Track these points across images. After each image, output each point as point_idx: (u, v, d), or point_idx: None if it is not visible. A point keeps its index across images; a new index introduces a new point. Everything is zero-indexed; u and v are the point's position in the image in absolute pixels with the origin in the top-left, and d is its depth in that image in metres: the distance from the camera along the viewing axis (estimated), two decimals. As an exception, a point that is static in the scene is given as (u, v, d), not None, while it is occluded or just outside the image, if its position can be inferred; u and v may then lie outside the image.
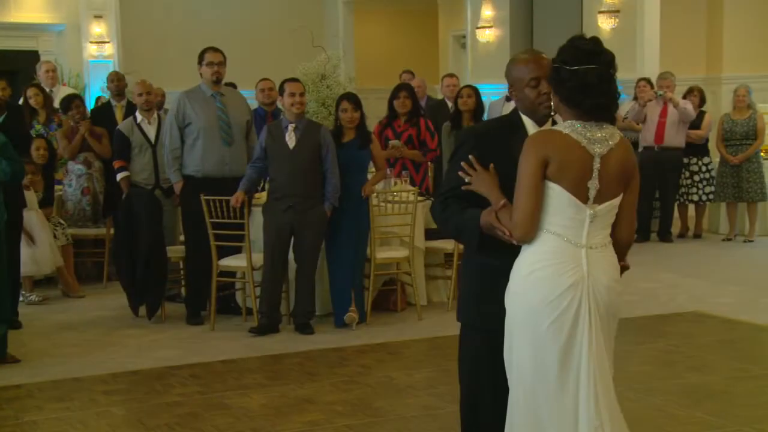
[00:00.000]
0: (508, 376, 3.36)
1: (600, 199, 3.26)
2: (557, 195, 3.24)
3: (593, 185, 3.23)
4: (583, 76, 3.20)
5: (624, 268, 3.43)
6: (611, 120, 3.30)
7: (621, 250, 3.40)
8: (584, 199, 3.24)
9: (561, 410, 3.24)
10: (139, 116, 8.08)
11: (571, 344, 3.22)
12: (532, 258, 3.26)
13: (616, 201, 3.30)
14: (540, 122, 3.45)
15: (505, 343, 3.35)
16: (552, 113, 3.37)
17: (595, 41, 3.28)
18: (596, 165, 3.23)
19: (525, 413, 3.29)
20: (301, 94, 7.08)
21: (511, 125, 3.50)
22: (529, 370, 3.26)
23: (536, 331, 3.23)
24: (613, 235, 3.35)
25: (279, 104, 7.44)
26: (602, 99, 3.24)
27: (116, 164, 8.11)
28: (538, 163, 3.21)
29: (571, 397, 3.23)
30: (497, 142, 3.41)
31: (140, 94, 8.04)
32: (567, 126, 3.26)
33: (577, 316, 3.22)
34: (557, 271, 3.22)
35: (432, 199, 8.29)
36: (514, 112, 3.57)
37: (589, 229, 3.26)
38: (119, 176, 8.06)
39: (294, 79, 7.26)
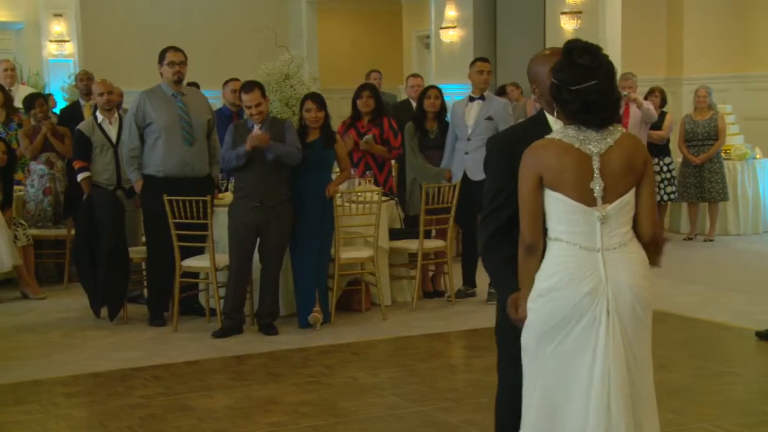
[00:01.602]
0: (524, 390, 3.34)
1: (608, 198, 3.22)
2: (560, 202, 3.22)
3: (597, 185, 3.20)
4: (585, 95, 3.18)
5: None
6: (616, 122, 3.29)
7: (646, 247, 3.32)
8: (590, 202, 3.21)
9: (576, 417, 3.22)
10: (99, 116, 8.00)
11: (587, 350, 3.20)
12: (547, 269, 3.24)
13: (628, 196, 3.25)
14: None
15: (525, 355, 3.31)
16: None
17: (592, 52, 3.22)
18: (596, 164, 3.20)
19: (542, 420, 3.28)
20: (258, 105, 6.90)
21: (535, 126, 3.50)
22: (553, 381, 3.24)
23: (556, 342, 3.21)
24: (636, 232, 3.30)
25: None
26: (606, 112, 3.22)
27: (76, 164, 8.02)
28: (532, 176, 3.21)
29: (583, 403, 3.21)
30: (522, 145, 3.34)
31: (101, 94, 7.96)
32: (558, 132, 3.26)
33: (593, 323, 3.19)
34: (573, 280, 3.19)
35: (396, 199, 8.30)
36: (540, 112, 3.58)
37: (602, 232, 3.21)
38: (80, 177, 7.96)
39: (250, 88, 6.97)
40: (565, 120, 3.28)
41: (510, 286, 3.38)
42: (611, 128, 3.25)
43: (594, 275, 3.20)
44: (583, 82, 3.18)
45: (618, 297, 3.21)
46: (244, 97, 6.98)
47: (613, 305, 3.20)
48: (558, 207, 3.23)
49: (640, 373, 3.28)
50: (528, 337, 3.30)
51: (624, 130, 3.29)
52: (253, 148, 6.82)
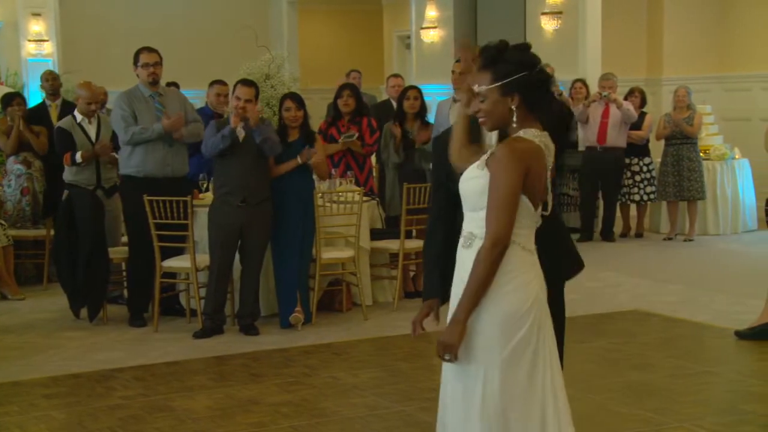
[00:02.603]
0: (467, 393, 3.22)
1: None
2: (524, 206, 3.16)
3: (549, 197, 3.21)
4: (544, 71, 3.24)
5: None
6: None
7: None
8: (536, 207, 3.22)
9: (529, 421, 3.18)
10: (78, 116, 7.93)
11: (537, 352, 3.17)
12: (500, 271, 3.14)
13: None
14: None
15: (472, 364, 3.18)
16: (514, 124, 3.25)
17: (504, 42, 3.26)
18: (548, 176, 3.21)
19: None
20: (248, 100, 6.87)
21: (473, 126, 3.48)
22: (499, 385, 3.14)
23: (508, 345, 3.13)
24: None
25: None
26: None
27: (67, 158, 7.80)
28: (521, 175, 3.11)
29: (538, 406, 3.18)
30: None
31: (89, 103, 7.84)
32: (535, 135, 3.17)
33: (542, 322, 3.19)
34: (524, 281, 3.16)
35: (377, 199, 8.31)
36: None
37: (534, 235, 3.25)
38: (78, 154, 7.76)
39: (249, 83, 7.03)
40: (527, 121, 3.19)
41: (429, 290, 3.48)
42: (549, 140, 3.24)
43: (538, 276, 3.22)
44: (538, 62, 3.24)
45: (545, 295, 3.25)
46: (240, 89, 6.93)
47: (545, 304, 3.25)
48: (522, 210, 3.16)
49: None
50: (478, 343, 3.17)
51: None
52: (238, 125, 6.77)
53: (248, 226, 6.93)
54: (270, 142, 6.90)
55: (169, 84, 8.04)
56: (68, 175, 7.85)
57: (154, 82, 7.32)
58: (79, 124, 7.89)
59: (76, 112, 7.97)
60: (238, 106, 6.87)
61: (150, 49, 7.35)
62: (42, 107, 9.55)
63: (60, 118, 8.65)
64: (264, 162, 6.99)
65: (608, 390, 5.63)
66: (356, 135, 8.16)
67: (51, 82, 9.47)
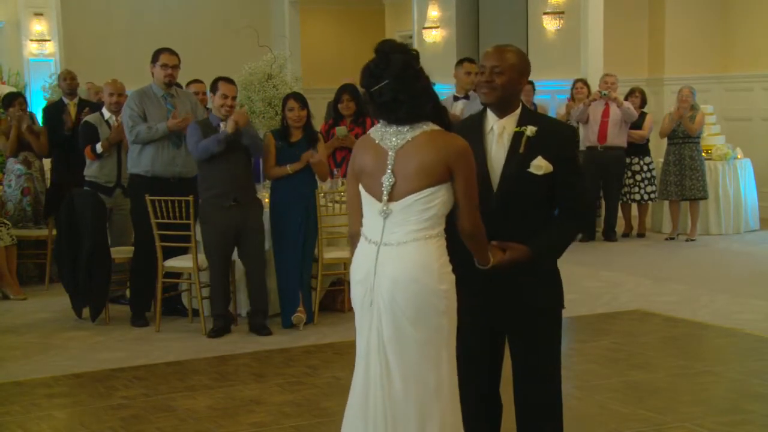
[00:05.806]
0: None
1: (397, 194, 3.30)
2: (363, 195, 3.44)
3: (387, 180, 3.29)
4: (378, 96, 3.36)
5: (484, 263, 3.45)
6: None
7: (468, 244, 3.40)
8: (380, 196, 3.33)
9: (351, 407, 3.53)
10: (106, 113, 7.94)
11: (362, 337, 3.43)
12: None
13: (421, 195, 3.28)
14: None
15: None
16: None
17: (381, 52, 3.42)
18: (390, 160, 3.30)
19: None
20: (234, 98, 6.95)
21: (473, 121, 3.69)
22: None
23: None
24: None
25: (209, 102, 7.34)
26: (401, 110, 3.35)
27: (88, 151, 7.76)
28: (350, 171, 3.47)
29: (361, 387, 3.51)
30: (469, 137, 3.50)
31: (111, 94, 7.87)
32: (374, 128, 3.41)
33: (363, 312, 3.40)
34: (354, 270, 3.46)
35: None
36: (484, 107, 3.70)
37: (384, 226, 3.34)
38: (98, 145, 7.78)
39: (229, 80, 7.09)
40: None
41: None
42: (418, 124, 3.30)
43: (366, 266, 3.34)
44: (375, 85, 3.30)
45: (380, 290, 3.31)
46: (224, 87, 6.94)
47: (378, 298, 3.32)
48: (363, 200, 3.38)
49: (400, 372, 3.37)
50: None
51: (427, 129, 3.32)
52: (235, 129, 6.78)
53: (243, 226, 6.94)
54: (256, 144, 6.96)
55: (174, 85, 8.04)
56: (89, 171, 7.84)
57: (170, 84, 7.34)
58: (107, 121, 7.90)
59: (104, 110, 7.99)
60: (226, 105, 6.88)
61: (171, 51, 7.36)
62: (59, 105, 9.52)
63: (77, 116, 8.81)
64: (249, 160, 7.04)
65: (609, 389, 5.64)
66: (345, 128, 8.16)
67: (69, 81, 9.51)
